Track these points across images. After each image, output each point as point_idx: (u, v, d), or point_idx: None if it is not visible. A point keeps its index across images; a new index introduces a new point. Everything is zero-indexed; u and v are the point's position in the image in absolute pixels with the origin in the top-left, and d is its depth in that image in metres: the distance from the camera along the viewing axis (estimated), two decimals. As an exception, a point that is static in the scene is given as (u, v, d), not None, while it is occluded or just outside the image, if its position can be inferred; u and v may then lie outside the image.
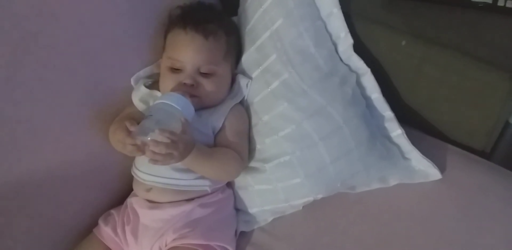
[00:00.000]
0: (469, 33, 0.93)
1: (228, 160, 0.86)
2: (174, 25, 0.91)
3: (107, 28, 0.86)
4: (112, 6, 0.88)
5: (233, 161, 0.87)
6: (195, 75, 0.88)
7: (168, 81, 0.89)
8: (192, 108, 0.83)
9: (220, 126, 0.89)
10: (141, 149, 0.78)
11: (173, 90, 0.87)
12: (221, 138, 0.89)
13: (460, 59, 0.89)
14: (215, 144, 0.89)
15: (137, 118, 0.85)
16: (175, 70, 0.89)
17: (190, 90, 0.87)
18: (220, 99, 0.92)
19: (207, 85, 0.88)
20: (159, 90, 0.91)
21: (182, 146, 0.76)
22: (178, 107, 0.80)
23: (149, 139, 0.75)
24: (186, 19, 0.90)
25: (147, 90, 0.90)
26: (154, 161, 0.77)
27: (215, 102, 0.91)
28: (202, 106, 0.89)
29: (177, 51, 0.89)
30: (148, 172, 0.87)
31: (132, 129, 0.78)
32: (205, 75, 0.88)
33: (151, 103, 0.89)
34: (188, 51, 0.88)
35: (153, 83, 0.94)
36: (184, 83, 0.87)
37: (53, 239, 0.87)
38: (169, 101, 0.80)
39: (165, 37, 0.93)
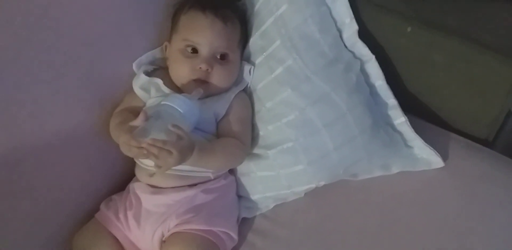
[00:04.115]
0: (476, 19, 0.92)
1: (232, 150, 0.86)
2: (188, 7, 0.90)
3: (111, 11, 0.86)
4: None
5: (236, 150, 0.87)
6: (211, 59, 0.87)
7: (182, 66, 0.88)
8: (197, 112, 0.82)
9: (224, 113, 0.89)
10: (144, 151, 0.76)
11: (187, 75, 0.87)
12: (224, 125, 0.89)
13: (466, 46, 0.89)
14: (217, 131, 0.89)
15: (138, 108, 0.86)
16: (189, 53, 0.88)
17: (204, 76, 0.87)
18: (228, 87, 0.92)
19: (221, 71, 0.88)
20: (159, 78, 0.90)
21: (177, 152, 0.75)
22: (181, 111, 0.79)
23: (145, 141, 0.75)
24: (203, 1, 0.89)
25: (147, 78, 0.89)
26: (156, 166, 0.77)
27: (222, 90, 0.91)
28: (209, 94, 0.89)
29: (195, 33, 0.88)
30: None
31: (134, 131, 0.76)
32: (220, 61, 0.88)
33: (151, 91, 0.89)
34: (208, 34, 0.87)
35: (155, 70, 0.93)
36: (200, 68, 0.87)
37: (55, 223, 0.86)
38: (173, 104, 0.79)
39: (174, 20, 0.92)
